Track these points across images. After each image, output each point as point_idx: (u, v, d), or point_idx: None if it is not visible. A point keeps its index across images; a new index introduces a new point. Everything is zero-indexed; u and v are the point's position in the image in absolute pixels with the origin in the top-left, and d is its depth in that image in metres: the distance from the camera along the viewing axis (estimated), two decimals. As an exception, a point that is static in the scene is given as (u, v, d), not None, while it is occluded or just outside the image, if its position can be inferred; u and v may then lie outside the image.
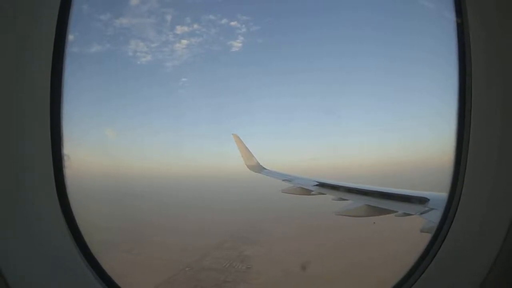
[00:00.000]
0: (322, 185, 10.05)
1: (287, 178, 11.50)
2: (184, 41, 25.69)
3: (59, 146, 1.99)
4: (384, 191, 7.71)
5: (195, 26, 26.38)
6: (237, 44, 26.94)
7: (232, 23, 26.87)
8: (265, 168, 12.88)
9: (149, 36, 25.37)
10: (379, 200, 7.51)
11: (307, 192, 10.11)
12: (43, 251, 1.89)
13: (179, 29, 25.69)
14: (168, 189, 21.98)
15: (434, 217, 5.59)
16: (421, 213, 5.97)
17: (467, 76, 1.83)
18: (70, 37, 1.98)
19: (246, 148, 12.81)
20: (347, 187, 9.11)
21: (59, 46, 1.90)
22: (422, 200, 6.27)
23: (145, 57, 25.93)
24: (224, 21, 27.11)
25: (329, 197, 9.41)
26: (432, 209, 5.88)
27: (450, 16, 1.92)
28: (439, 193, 6.24)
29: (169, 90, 28.73)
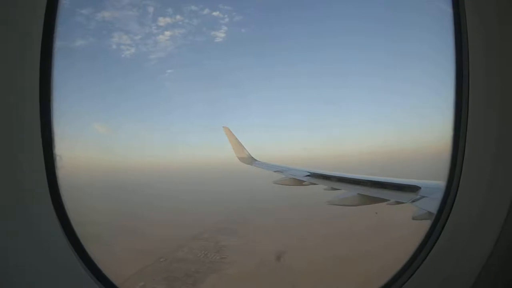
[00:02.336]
0: (313, 175, 10.12)
1: (279, 169, 11.55)
2: (168, 33, 25.38)
3: (51, 144, 1.97)
4: (376, 180, 7.80)
5: (178, 17, 26.06)
6: (220, 35, 26.78)
7: (215, 13, 26.61)
8: (256, 160, 12.90)
9: (132, 28, 25.00)
10: (371, 189, 7.60)
11: (299, 182, 10.16)
12: (37, 250, 1.88)
13: (162, 21, 25.37)
14: (157, 182, 21.89)
15: (425, 205, 5.68)
16: (413, 201, 6.05)
17: (464, 67, 1.83)
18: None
19: (237, 140, 12.80)
20: (338, 176, 9.19)
21: (48, 43, 1.88)
22: (414, 189, 6.36)
23: (129, 49, 25.54)
24: (206, 11, 26.87)
25: (321, 187, 9.48)
26: (423, 197, 5.97)
27: (448, 11, 1.92)
28: (430, 182, 6.34)
29: (155, 82, 28.37)
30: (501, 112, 1.74)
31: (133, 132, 30.22)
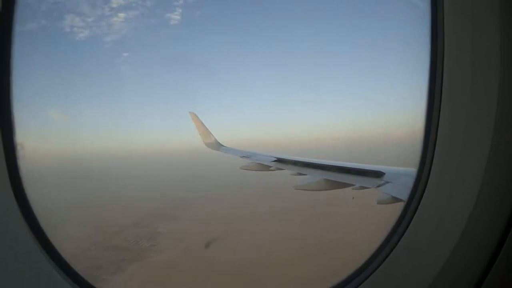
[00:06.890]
0: (280, 160, 10.18)
1: (246, 155, 11.50)
2: (121, 15, 24.26)
3: (11, 135, 1.82)
4: (341, 165, 7.94)
5: (130, -2, 24.96)
6: (175, 17, 26.10)
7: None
8: (223, 145, 12.77)
9: (84, 10, 23.56)
10: (336, 174, 7.72)
11: (266, 168, 10.20)
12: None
13: (115, 2, 24.19)
14: (117, 169, 21.17)
15: (390, 190, 5.87)
16: (378, 186, 6.23)
17: (439, 43, 1.77)
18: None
19: (204, 125, 12.57)
20: (305, 162, 9.28)
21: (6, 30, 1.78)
22: (378, 174, 6.54)
23: (83, 32, 24.13)
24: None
25: (288, 172, 9.56)
26: (387, 182, 6.15)
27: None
28: (394, 167, 6.56)
29: (111, 66, 27.10)
30: (474, 101, 1.72)
31: (91, 118, 28.91)
